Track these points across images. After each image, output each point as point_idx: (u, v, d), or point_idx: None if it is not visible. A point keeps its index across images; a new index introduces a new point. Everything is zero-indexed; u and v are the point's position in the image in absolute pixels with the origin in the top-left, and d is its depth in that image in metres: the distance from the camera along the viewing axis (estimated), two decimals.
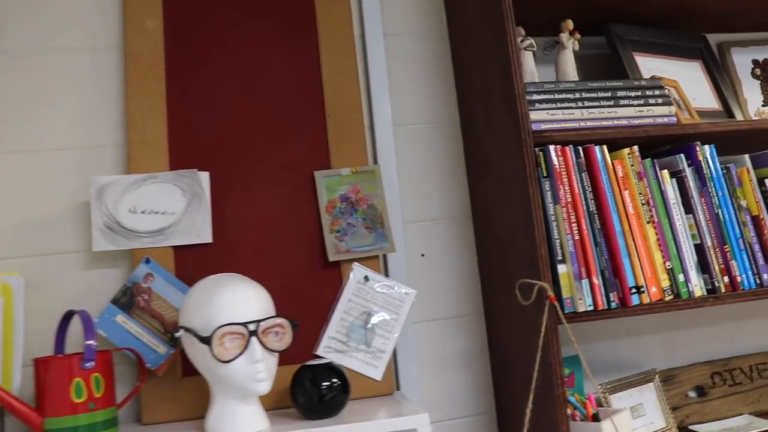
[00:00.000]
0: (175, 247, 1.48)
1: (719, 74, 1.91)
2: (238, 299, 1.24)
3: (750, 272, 1.51)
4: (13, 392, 1.34)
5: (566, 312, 1.36)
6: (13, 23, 1.55)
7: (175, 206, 1.49)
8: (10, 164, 1.51)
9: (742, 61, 1.99)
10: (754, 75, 1.99)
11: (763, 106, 1.94)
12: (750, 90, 1.96)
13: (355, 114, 1.62)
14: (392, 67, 1.74)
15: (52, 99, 1.55)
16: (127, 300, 1.44)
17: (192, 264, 1.49)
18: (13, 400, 1.24)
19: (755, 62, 2.00)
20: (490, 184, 1.57)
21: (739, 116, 1.87)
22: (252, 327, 1.23)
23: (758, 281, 1.51)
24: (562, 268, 1.38)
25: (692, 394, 1.78)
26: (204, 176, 1.52)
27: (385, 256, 1.62)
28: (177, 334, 1.27)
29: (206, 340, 1.21)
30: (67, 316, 1.37)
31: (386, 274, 1.61)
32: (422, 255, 1.69)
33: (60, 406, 1.24)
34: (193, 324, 1.25)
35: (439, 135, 1.75)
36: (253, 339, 1.23)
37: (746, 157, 1.59)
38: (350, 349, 1.50)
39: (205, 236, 1.50)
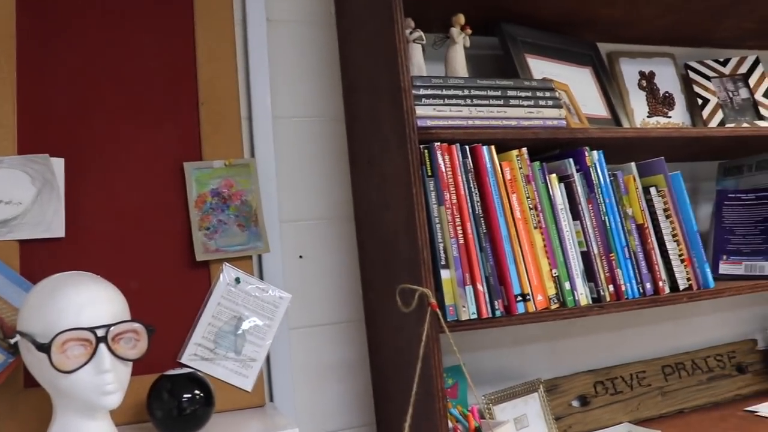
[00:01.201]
0: (21, 242, 1.33)
1: (608, 83, 1.91)
2: (85, 301, 1.10)
3: (634, 281, 1.49)
4: None
5: (449, 320, 1.29)
6: None
7: (23, 195, 1.34)
8: None
9: (629, 71, 2.01)
10: (640, 86, 2.00)
11: (648, 117, 1.96)
12: (636, 100, 1.97)
13: (231, 103, 1.50)
14: (275, 55, 1.63)
15: None
16: None
17: (40, 261, 1.34)
18: None
19: (642, 74, 2.02)
20: (373, 182, 1.48)
21: (626, 125, 1.88)
22: (100, 332, 1.09)
23: (641, 290, 1.50)
24: (445, 274, 1.30)
25: (575, 403, 1.77)
26: (58, 162, 1.37)
27: (259, 257, 1.51)
28: (13, 340, 1.12)
29: (44, 348, 1.06)
30: None
31: (261, 277, 1.50)
32: (300, 257, 1.59)
33: None
34: (32, 329, 1.10)
35: (322, 129, 1.65)
36: (102, 346, 1.08)
37: (633, 165, 1.58)
38: (218, 357, 1.38)
39: (57, 230, 1.35)
